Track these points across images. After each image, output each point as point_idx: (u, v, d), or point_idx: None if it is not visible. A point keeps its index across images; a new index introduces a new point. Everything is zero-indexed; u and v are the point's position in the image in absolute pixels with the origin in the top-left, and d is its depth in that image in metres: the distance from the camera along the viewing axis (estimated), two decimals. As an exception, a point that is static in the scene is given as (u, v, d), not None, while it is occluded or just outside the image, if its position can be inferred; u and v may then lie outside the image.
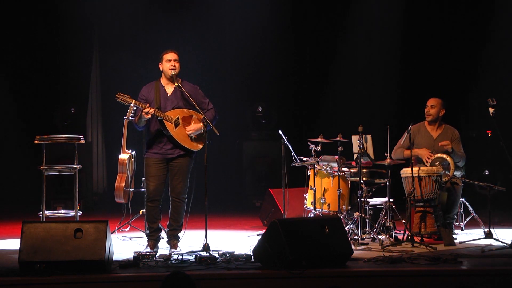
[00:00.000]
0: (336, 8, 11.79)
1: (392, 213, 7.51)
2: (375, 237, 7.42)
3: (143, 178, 7.07)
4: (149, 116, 6.70)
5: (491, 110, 7.12)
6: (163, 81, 6.98)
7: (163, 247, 6.91)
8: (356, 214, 7.62)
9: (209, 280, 5.60)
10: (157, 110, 6.74)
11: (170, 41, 10.72)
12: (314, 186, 7.91)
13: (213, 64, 11.73)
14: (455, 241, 7.31)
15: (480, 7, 11.62)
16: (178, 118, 6.84)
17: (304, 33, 12.13)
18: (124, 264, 5.94)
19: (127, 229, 8.35)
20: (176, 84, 6.89)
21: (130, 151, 8.29)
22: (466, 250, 6.76)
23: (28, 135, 8.67)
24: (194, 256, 6.27)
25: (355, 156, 7.69)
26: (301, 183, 8.37)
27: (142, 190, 7.51)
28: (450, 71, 11.78)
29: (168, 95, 6.93)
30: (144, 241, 7.15)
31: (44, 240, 5.72)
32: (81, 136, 7.81)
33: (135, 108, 6.88)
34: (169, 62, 6.89)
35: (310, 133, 8.27)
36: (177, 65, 6.91)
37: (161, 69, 6.98)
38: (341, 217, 7.42)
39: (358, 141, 7.51)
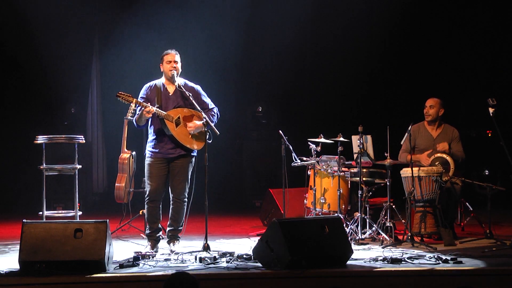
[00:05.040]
0: (336, 8, 11.78)
1: (392, 213, 7.50)
2: (375, 237, 7.42)
3: (144, 178, 7.07)
4: (150, 115, 6.70)
5: (491, 110, 7.12)
6: (164, 80, 6.99)
7: (163, 247, 6.91)
8: (356, 214, 7.62)
9: (209, 280, 5.59)
10: (158, 109, 6.74)
11: (171, 40, 10.72)
12: (314, 186, 7.91)
13: (213, 64, 11.73)
14: (455, 241, 7.31)
15: (480, 6, 11.64)
16: (179, 117, 6.84)
17: (304, 33, 12.13)
18: (124, 264, 5.93)
19: (127, 229, 8.35)
20: (176, 84, 6.89)
21: (130, 151, 8.30)
22: (466, 250, 6.75)
23: (28, 135, 8.66)
24: (194, 256, 6.27)
25: (355, 156, 7.69)
26: (301, 183, 8.37)
27: (142, 190, 7.51)
28: (450, 71, 11.79)
29: (170, 94, 6.93)
30: (144, 241, 7.15)
31: (44, 240, 5.71)
32: (81, 136, 7.81)
33: (135, 108, 6.89)
34: (169, 63, 6.89)
35: (310, 133, 8.25)
36: (177, 66, 6.91)
37: (161, 70, 6.98)
38: (341, 217, 7.42)
39: (358, 141, 7.51)
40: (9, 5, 10.98)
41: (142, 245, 7.16)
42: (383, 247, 6.91)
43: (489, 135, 11.37)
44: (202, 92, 7.07)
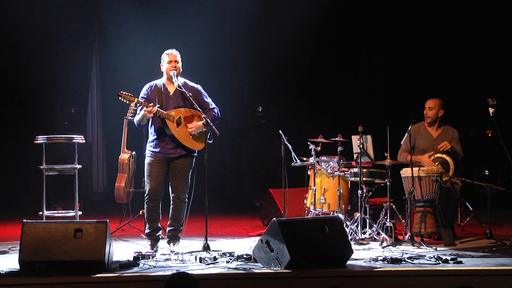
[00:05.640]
0: (336, 7, 11.78)
1: (392, 213, 7.50)
2: (375, 237, 7.42)
3: (144, 178, 7.07)
4: (151, 115, 6.70)
5: (491, 110, 7.12)
6: (164, 80, 6.98)
7: (163, 247, 6.91)
8: (356, 214, 7.62)
9: (209, 280, 5.59)
10: (159, 109, 6.74)
11: (171, 40, 10.72)
12: (314, 186, 7.91)
13: (213, 64, 11.73)
14: (455, 241, 7.31)
15: (481, 7, 11.64)
16: (180, 117, 6.84)
17: (304, 33, 12.12)
18: (124, 264, 5.93)
19: (127, 229, 8.35)
20: (176, 84, 6.89)
21: (130, 151, 8.30)
22: (466, 250, 6.76)
23: (28, 135, 8.66)
24: (194, 256, 6.27)
25: (355, 156, 7.69)
26: (301, 183, 8.37)
27: (142, 190, 7.51)
28: (450, 71, 11.79)
29: (170, 94, 6.93)
30: (144, 241, 7.15)
31: (44, 240, 5.71)
32: (81, 136, 7.81)
33: (135, 108, 6.88)
34: (170, 63, 6.89)
35: (310, 133, 8.26)
36: (177, 65, 6.91)
37: (162, 70, 6.98)
38: (341, 217, 7.41)
39: (358, 141, 7.51)
40: (10, 5, 10.98)
41: (142, 245, 7.16)
42: (383, 247, 6.91)
43: (489, 135, 11.38)
44: (203, 92, 7.07)
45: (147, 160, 6.91)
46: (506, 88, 11.29)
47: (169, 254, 6.52)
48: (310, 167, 8.03)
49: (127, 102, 6.79)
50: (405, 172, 7.55)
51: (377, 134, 7.94)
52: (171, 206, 6.93)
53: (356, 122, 7.65)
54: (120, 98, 6.72)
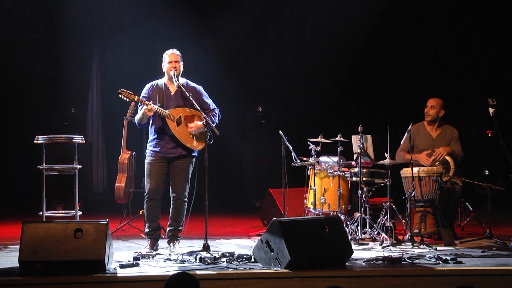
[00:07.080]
0: (336, 8, 11.79)
1: (392, 213, 7.50)
2: (375, 237, 7.42)
3: (144, 178, 7.06)
4: (151, 113, 6.70)
5: (491, 110, 7.13)
6: (166, 80, 6.99)
7: (163, 247, 6.91)
8: (356, 214, 7.62)
9: (209, 280, 5.60)
10: (159, 108, 6.74)
11: (170, 40, 10.72)
12: (314, 186, 7.91)
13: (213, 64, 11.74)
14: (455, 241, 7.31)
15: (481, 7, 11.65)
16: (180, 117, 6.84)
17: (304, 33, 12.13)
18: (124, 264, 5.93)
19: (127, 229, 8.35)
20: (176, 84, 6.89)
21: (130, 151, 8.29)
22: (466, 250, 6.76)
23: (28, 135, 8.66)
24: (194, 256, 6.27)
25: (355, 156, 7.69)
26: (301, 183, 8.37)
27: (142, 190, 7.51)
28: (451, 71, 11.79)
29: (171, 94, 6.93)
30: (144, 241, 7.15)
31: (44, 240, 5.71)
32: (81, 136, 7.80)
33: (135, 108, 6.88)
34: (170, 64, 6.90)
35: (310, 133, 8.26)
36: (177, 65, 6.91)
37: (163, 70, 6.99)
38: (341, 217, 7.41)
39: (358, 141, 7.51)
40: (10, 3, 10.98)
41: (142, 245, 7.16)
42: (383, 247, 6.91)
43: (489, 135, 11.38)
44: (204, 93, 7.07)
45: (147, 159, 6.91)
46: (506, 88, 11.29)
47: (169, 254, 6.52)
48: (310, 167, 8.03)
49: (128, 100, 6.78)
50: (405, 172, 7.55)
51: (377, 134, 7.93)
52: (171, 206, 6.92)
53: (356, 122, 7.65)
54: (120, 96, 6.71)
